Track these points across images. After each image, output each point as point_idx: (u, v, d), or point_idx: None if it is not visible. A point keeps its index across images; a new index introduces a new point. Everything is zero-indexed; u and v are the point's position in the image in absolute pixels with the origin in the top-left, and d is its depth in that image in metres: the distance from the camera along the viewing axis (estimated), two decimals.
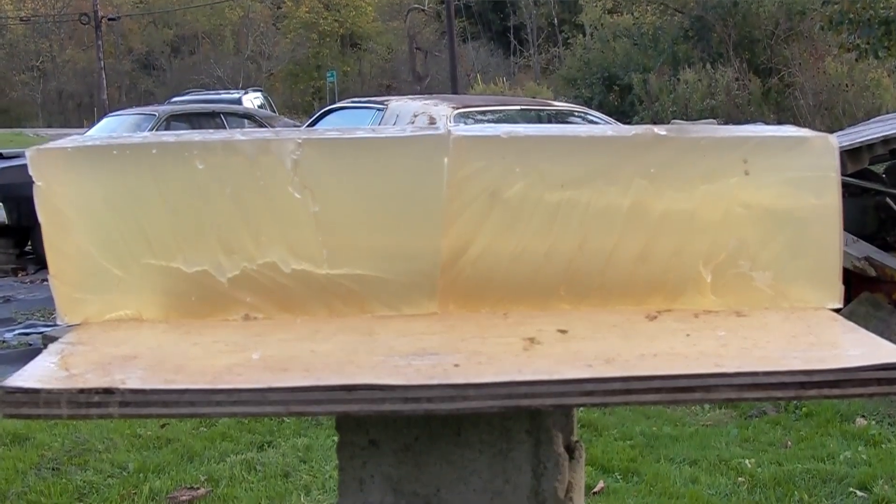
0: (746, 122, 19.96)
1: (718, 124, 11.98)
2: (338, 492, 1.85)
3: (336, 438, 1.85)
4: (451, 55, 34.57)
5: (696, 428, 5.52)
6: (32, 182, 1.86)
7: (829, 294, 1.93)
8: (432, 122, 8.18)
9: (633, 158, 1.91)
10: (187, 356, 1.68)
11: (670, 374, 1.53)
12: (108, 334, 1.82)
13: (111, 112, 18.71)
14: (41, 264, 11.69)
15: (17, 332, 8.83)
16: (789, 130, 2.02)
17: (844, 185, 4.26)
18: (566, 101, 20.38)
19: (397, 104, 9.05)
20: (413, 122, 8.27)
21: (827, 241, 1.92)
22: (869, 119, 11.77)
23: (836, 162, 1.92)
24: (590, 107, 18.16)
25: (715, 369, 1.54)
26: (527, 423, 1.79)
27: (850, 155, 6.95)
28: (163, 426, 5.54)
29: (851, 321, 1.83)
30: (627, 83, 28.23)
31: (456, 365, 1.58)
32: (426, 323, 1.87)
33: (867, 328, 1.78)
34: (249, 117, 16.19)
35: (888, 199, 8.09)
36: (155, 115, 14.35)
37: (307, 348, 1.72)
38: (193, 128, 13.30)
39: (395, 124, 8.32)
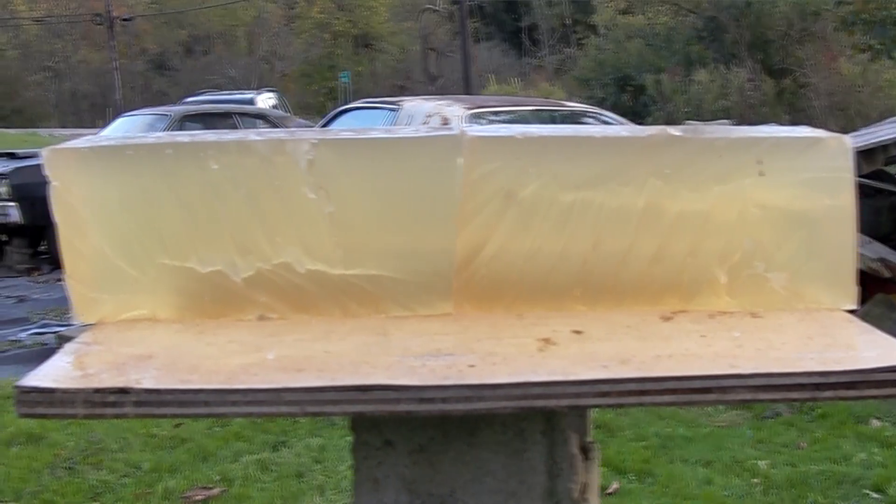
0: (760, 122, 19.93)
1: (732, 125, 11.98)
2: (353, 492, 1.86)
3: (350, 439, 1.85)
4: (463, 56, 34.55)
5: (710, 429, 5.51)
6: (47, 182, 1.86)
7: (843, 295, 1.92)
8: (446, 122, 8.17)
9: (648, 159, 1.90)
10: (202, 356, 1.69)
11: (685, 374, 1.53)
12: (123, 334, 1.83)
13: (125, 112, 18.72)
14: (55, 264, 11.71)
15: (31, 331, 8.86)
16: (804, 131, 2.02)
17: (859, 186, 4.24)
18: (579, 102, 20.36)
19: (411, 105, 9.04)
20: (427, 123, 8.27)
21: (842, 242, 1.92)
22: (883, 120, 11.75)
23: (850, 163, 1.92)
24: (603, 107, 18.12)
25: (730, 370, 1.54)
26: (542, 423, 1.79)
27: (864, 156, 6.94)
28: (177, 426, 5.55)
29: (866, 322, 1.83)
30: (640, 84, 28.21)
31: (471, 365, 1.58)
32: (441, 323, 1.87)
33: (882, 329, 1.78)
34: (263, 117, 16.19)
35: None
36: (169, 115, 14.36)
37: (322, 348, 1.72)
38: (207, 128, 13.30)
39: (408, 125, 8.32)
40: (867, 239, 6.71)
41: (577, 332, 1.76)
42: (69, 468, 5.05)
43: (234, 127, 13.82)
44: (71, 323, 4.64)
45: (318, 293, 1.91)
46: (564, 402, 1.52)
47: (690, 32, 29.36)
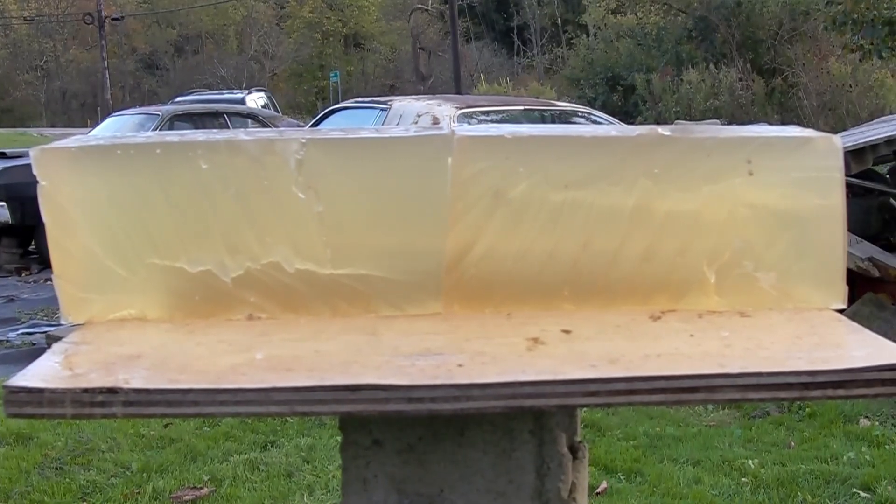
0: (750, 122, 19.95)
1: (722, 125, 11.99)
2: (341, 492, 1.85)
3: (339, 438, 1.85)
4: (454, 55, 34.55)
5: (699, 428, 5.52)
6: (36, 181, 1.86)
7: (832, 294, 1.92)
8: (436, 122, 8.18)
9: (637, 159, 1.90)
10: (191, 356, 1.68)
11: (674, 374, 1.52)
12: (112, 334, 1.82)
13: (115, 112, 18.72)
14: (45, 264, 11.71)
15: (20, 331, 8.85)
16: (793, 131, 2.02)
17: (848, 186, 4.26)
18: (570, 102, 20.36)
19: (401, 104, 9.05)
20: (417, 123, 8.27)
21: (831, 242, 1.92)
22: (873, 119, 11.77)
23: (840, 162, 1.92)
24: (593, 107, 18.16)
25: (719, 370, 1.54)
26: (530, 423, 1.79)
27: (854, 155, 6.95)
28: (166, 426, 5.55)
29: (855, 322, 1.83)
30: (631, 83, 28.22)
31: (460, 365, 1.57)
32: (430, 323, 1.87)
33: (871, 329, 1.78)
34: (253, 117, 16.20)
35: (892, 200, 8.11)
36: (158, 114, 14.36)
37: (311, 348, 1.72)
38: (197, 128, 13.31)
39: (398, 124, 8.32)
40: (856, 238, 6.73)
41: (566, 332, 1.76)
42: (58, 468, 5.04)
43: (224, 126, 13.82)
44: (60, 323, 4.64)
45: (307, 293, 1.91)
46: (553, 402, 1.52)
47: (681, 32, 29.38)
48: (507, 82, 33.94)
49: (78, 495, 4.71)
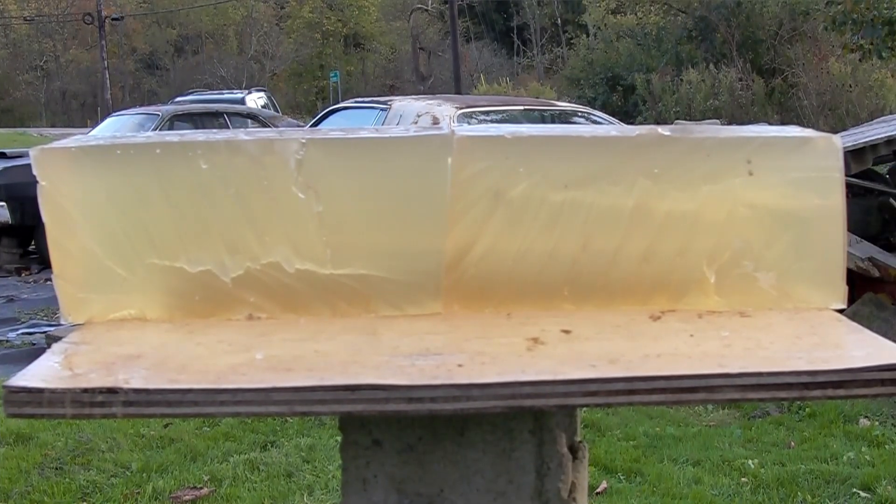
0: (750, 122, 19.95)
1: (722, 125, 11.99)
2: (341, 492, 1.85)
3: (339, 438, 1.85)
4: (454, 55, 34.55)
5: (699, 428, 5.52)
6: (36, 181, 1.86)
7: (832, 294, 1.92)
8: (436, 122, 8.17)
9: (637, 159, 1.90)
10: (191, 356, 1.68)
11: (674, 374, 1.52)
12: (112, 334, 1.82)
13: (115, 112, 18.73)
14: (45, 264, 11.71)
15: (20, 331, 8.85)
16: (793, 131, 2.02)
17: (848, 186, 4.26)
18: (569, 102, 20.36)
19: (401, 104, 9.05)
20: (416, 123, 8.27)
21: (831, 242, 1.92)
22: (873, 119, 11.77)
23: (839, 162, 1.91)
24: (593, 107, 18.15)
25: (718, 370, 1.54)
26: (530, 423, 1.79)
27: (853, 155, 6.96)
28: (166, 426, 5.55)
29: (855, 322, 1.83)
30: (631, 83, 28.21)
31: (459, 365, 1.57)
32: (430, 323, 1.87)
33: (870, 329, 1.78)
34: (253, 117, 16.20)
35: (892, 200, 8.11)
36: (158, 114, 14.36)
37: (311, 348, 1.72)
38: (197, 128, 13.31)
39: (398, 124, 8.32)
40: (856, 238, 6.73)
41: (566, 332, 1.76)
42: (58, 468, 5.04)
43: (224, 126, 13.82)
44: (60, 323, 4.64)
45: (307, 293, 1.91)
46: (553, 402, 1.52)
47: (681, 32, 29.35)
48: (506, 82, 33.94)
49: (78, 495, 4.71)
